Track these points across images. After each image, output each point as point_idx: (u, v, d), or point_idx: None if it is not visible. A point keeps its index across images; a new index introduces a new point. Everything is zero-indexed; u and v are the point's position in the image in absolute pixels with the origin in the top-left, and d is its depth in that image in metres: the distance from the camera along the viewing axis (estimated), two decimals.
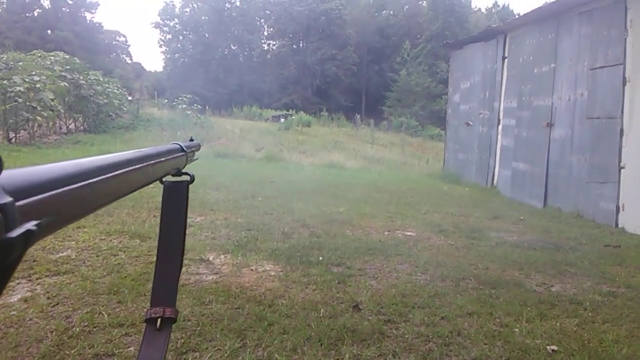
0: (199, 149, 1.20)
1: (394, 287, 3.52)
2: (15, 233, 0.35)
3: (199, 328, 2.59)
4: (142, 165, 0.69)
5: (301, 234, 4.99)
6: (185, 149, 0.99)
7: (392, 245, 4.78)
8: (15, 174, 0.38)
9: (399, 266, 4.10)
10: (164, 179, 0.92)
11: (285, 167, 12.99)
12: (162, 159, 0.82)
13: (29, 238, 0.36)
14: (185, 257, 3.76)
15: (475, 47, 12.24)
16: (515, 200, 9.55)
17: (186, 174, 0.97)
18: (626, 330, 2.98)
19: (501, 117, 10.88)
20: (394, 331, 2.75)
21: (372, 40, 49.62)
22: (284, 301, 3.09)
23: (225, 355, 2.33)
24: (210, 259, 3.89)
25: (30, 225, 0.36)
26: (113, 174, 0.57)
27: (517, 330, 2.87)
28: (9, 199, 0.34)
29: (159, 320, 0.88)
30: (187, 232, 4.59)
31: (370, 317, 2.91)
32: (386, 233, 5.42)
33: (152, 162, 0.75)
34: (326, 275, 3.64)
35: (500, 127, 10.90)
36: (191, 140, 1.13)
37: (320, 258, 4.11)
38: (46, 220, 0.39)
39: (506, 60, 10.75)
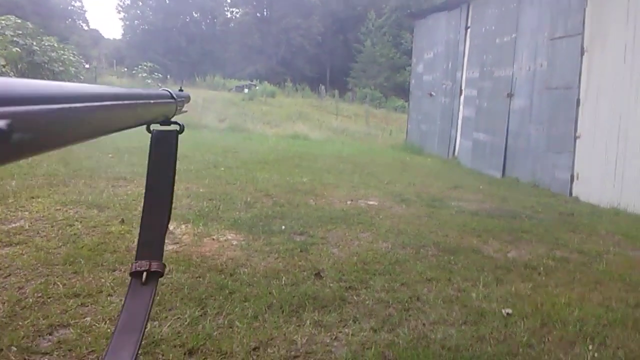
0: (188, 101, 1.13)
1: (355, 255, 3.55)
2: None
3: (158, 297, 2.55)
4: (129, 102, 0.64)
5: (264, 204, 4.97)
6: (175, 96, 0.94)
7: (355, 214, 4.81)
8: None
9: (361, 234, 4.14)
10: (152, 128, 0.87)
11: (248, 138, 12.85)
12: (151, 101, 0.77)
13: None
14: None
15: (439, 16, 12.24)
16: (475, 170, 9.73)
17: (176, 123, 0.92)
18: (577, 293, 3.09)
19: (463, 87, 10.98)
20: (355, 297, 2.79)
21: (337, 9, 48.91)
22: (246, 270, 3.08)
23: (185, 323, 2.31)
24: (171, 228, 3.82)
25: (3, 123, 0.34)
26: (98, 103, 0.53)
27: (474, 294, 2.95)
28: None
29: (144, 274, 0.85)
30: None
31: (331, 285, 2.94)
32: (349, 202, 5.44)
33: (140, 101, 0.70)
34: (288, 244, 3.64)
35: (462, 97, 11.01)
36: (180, 90, 1.07)
37: (283, 227, 4.10)
38: (21, 135, 0.36)
39: (469, 30, 10.80)
